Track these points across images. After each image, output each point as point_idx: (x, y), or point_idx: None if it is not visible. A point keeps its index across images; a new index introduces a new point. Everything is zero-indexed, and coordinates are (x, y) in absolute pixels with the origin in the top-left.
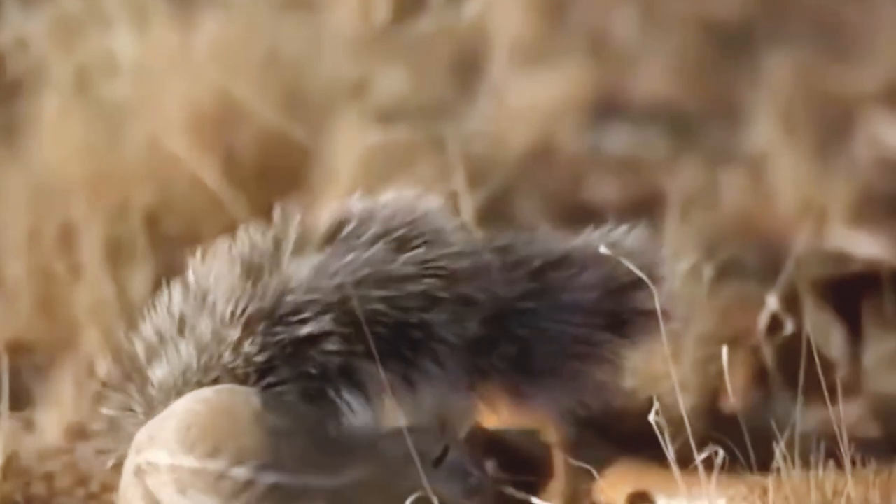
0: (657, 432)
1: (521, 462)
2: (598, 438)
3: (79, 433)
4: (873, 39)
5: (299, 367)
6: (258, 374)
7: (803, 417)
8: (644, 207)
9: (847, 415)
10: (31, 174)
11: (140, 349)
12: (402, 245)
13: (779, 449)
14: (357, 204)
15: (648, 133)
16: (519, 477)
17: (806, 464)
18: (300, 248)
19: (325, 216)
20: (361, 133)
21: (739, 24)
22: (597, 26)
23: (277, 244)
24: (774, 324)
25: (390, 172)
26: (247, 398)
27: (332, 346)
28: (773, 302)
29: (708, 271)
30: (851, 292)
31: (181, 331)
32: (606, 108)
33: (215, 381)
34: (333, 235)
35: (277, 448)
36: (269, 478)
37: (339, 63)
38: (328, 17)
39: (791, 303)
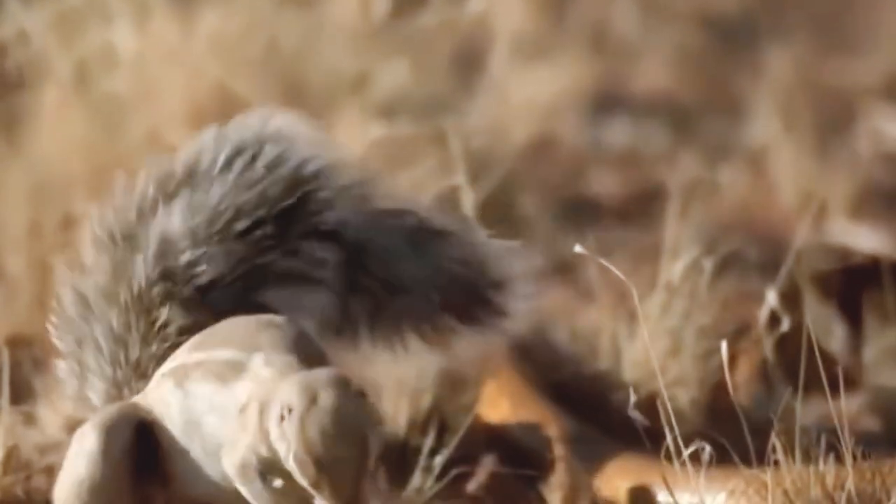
0: (638, 427)
1: (522, 456)
2: (599, 433)
3: (79, 427)
4: (873, 33)
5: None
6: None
7: (804, 411)
8: (644, 201)
9: (847, 408)
10: (32, 168)
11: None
12: (255, 168)
13: (779, 443)
14: (209, 135)
15: (649, 127)
16: (520, 471)
17: (806, 457)
18: (167, 197)
19: (179, 156)
20: (362, 127)
21: (739, 17)
22: (597, 20)
23: (143, 203)
24: (775, 318)
25: (391, 167)
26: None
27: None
28: (771, 297)
29: (708, 265)
30: (852, 286)
31: (87, 317)
32: (607, 102)
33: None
34: (192, 174)
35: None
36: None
37: (339, 57)
38: (328, 10)
39: (791, 296)
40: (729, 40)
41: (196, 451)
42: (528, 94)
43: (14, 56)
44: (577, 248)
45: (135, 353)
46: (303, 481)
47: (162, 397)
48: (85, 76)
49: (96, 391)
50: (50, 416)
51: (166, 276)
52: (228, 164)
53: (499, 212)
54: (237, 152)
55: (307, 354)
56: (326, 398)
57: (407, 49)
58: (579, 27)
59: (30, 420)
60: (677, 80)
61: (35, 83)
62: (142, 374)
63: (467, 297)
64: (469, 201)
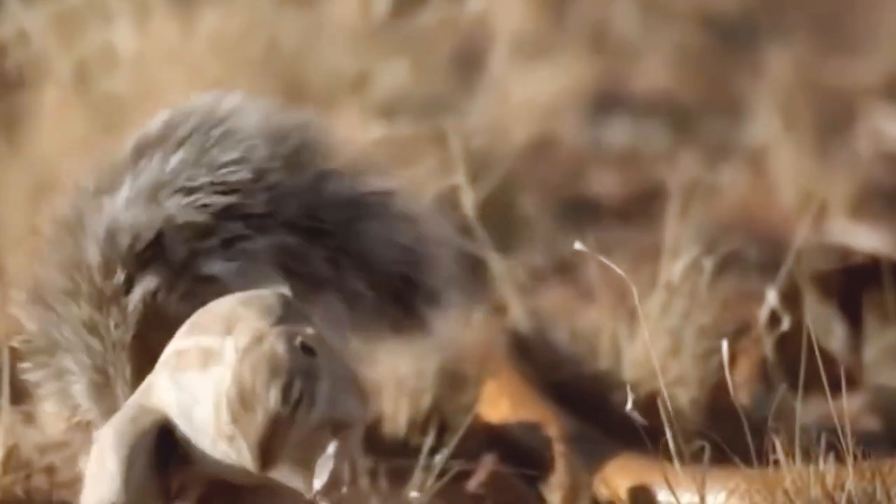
0: (637, 425)
1: (522, 456)
2: (599, 432)
3: (80, 426)
4: (873, 33)
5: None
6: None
7: (804, 411)
8: (644, 201)
9: (848, 408)
10: (32, 168)
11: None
12: (204, 155)
13: (779, 442)
14: (160, 119)
15: (649, 126)
16: (520, 470)
17: (806, 457)
18: (112, 185)
19: (129, 140)
20: (362, 127)
21: (739, 17)
22: (597, 20)
23: (91, 192)
24: (775, 318)
25: (391, 166)
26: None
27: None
28: (772, 297)
29: (708, 265)
30: (852, 286)
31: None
32: (607, 101)
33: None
34: (138, 158)
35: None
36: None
37: (339, 57)
38: (328, 10)
39: (792, 296)
40: (729, 40)
41: (198, 440)
42: (528, 94)
43: (14, 56)
44: (577, 245)
45: (108, 332)
46: (226, 416)
47: (162, 394)
48: (85, 76)
49: (81, 391)
50: (50, 416)
51: (117, 250)
52: (175, 149)
53: (499, 211)
54: (181, 141)
55: (283, 320)
56: (267, 344)
57: (407, 48)
58: (579, 27)
59: (30, 419)
60: (677, 80)
61: (35, 83)
62: (122, 348)
63: (398, 303)
64: (469, 201)
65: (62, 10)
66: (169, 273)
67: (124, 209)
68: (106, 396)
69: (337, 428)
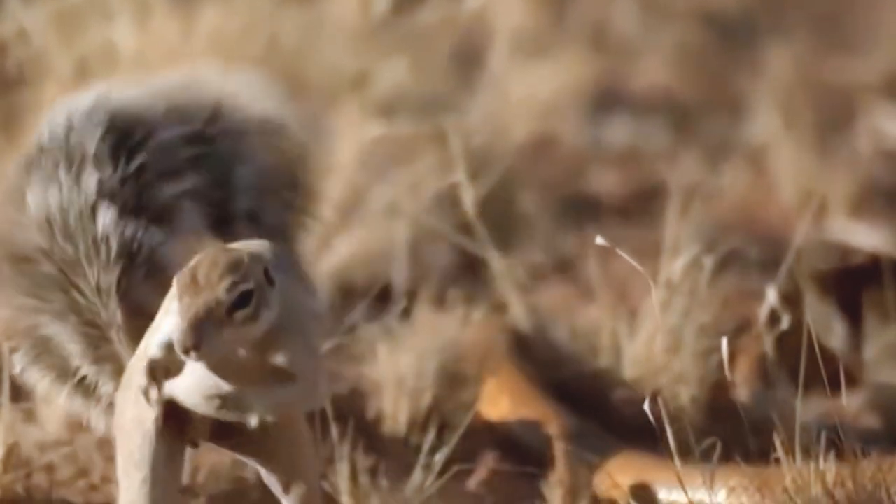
0: (652, 422)
1: (523, 454)
2: (600, 430)
3: (79, 425)
4: (873, 32)
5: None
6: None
7: (804, 409)
8: (644, 199)
9: (848, 406)
10: None
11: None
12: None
13: (780, 440)
14: (52, 117)
15: (649, 125)
16: (520, 468)
17: (807, 455)
18: (29, 175)
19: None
20: (362, 125)
21: (739, 15)
22: (597, 18)
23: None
24: (775, 316)
25: (391, 165)
26: None
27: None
28: (771, 295)
29: (708, 263)
30: (852, 284)
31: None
32: (607, 99)
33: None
34: (41, 148)
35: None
36: None
37: (339, 55)
38: (328, 8)
39: (792, 295)
40: (729, 39)
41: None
42: (528, 92)
43: (15, 54)
44: (598, 240)
45: (75, 271)
46: (175, 293)
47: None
48: (85, 74)
49: (79, 352)
50: (50, 414)
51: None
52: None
53: (499, 209)
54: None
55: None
56: (235, 252)
57: (406, 47)
58: (579, 25)
59: (30, 417)
60: (677, 79)
61: (35, 81)
62: (108, 294)
63: None
64: (469, 199)
65: (62, 8)
66: (124, 214)
67: (47, 192)
68: (102, 344)
69: (278, 376)
